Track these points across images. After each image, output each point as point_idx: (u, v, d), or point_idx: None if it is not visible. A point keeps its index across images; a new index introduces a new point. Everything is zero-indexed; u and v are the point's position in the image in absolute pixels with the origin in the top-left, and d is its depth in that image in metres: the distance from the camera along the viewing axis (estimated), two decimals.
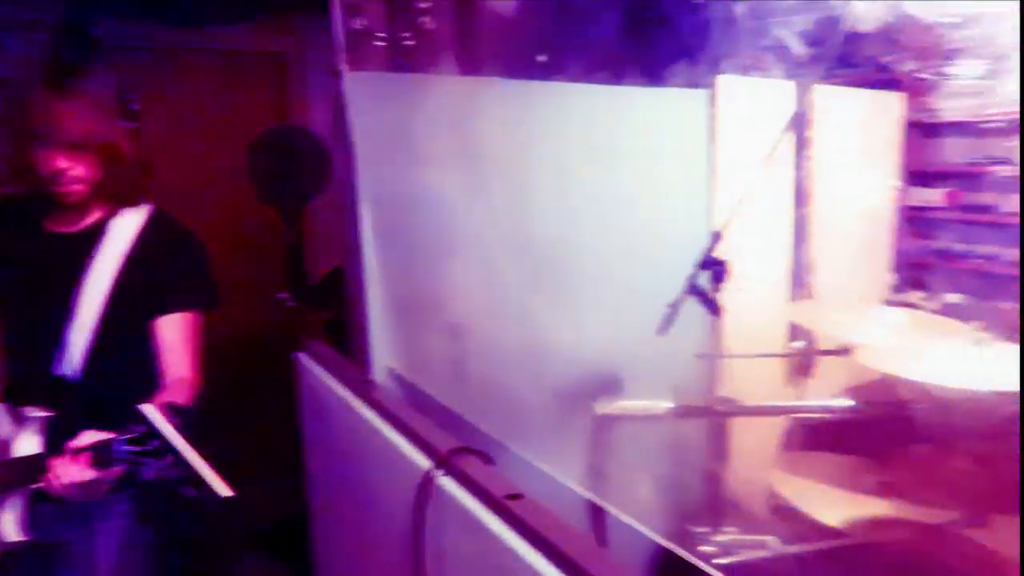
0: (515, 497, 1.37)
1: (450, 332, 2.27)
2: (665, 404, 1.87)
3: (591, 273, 2.49)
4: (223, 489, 1.51)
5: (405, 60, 3.22)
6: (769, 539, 1.93)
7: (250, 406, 3.58)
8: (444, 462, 1.58)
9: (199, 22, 3.81)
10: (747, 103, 2.85)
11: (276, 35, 4.13)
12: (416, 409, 1.96)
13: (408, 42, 3.23)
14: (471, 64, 3.07)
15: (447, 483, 1.55)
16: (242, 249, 3.60)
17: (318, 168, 2.96)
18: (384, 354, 2.24)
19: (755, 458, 2.56)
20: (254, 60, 4.23)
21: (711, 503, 2.18)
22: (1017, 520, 1.81)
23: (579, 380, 2.27)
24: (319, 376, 2.38)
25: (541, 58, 3.11)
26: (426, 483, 1.57)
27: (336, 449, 2.30)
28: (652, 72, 2.73)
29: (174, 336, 1.97)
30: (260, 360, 3.39)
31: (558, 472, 1.60)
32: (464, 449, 1.59)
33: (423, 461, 1.65)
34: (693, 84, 2.77)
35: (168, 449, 1.57)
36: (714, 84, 2.80)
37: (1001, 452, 2.16)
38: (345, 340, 2.41)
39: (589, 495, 1.64)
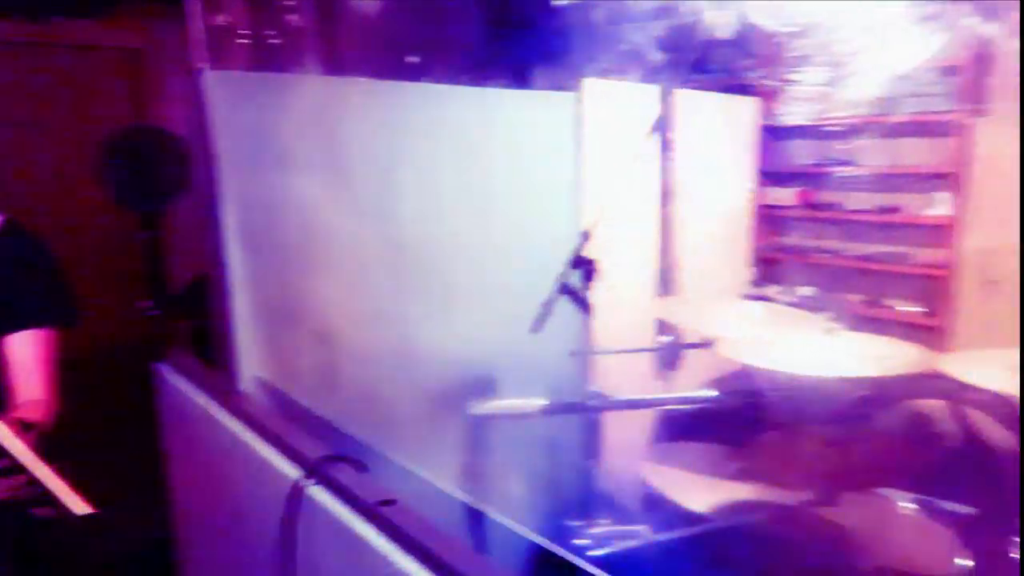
0: (388, 503, 1.36)
1: (321, 338, 2.22)
2: (539, 402, 1.89)
3: (463, 274, 2.50)
4: (80, 507, 1.42)
5: (270, 59, 3.13)
6: (641, 528, 1.99)
7: (110, 421, 3.39)
8: (314, 471, 1.54)
9: (44, 14, 3.57)
10: (612, 106, 2.93)
11: (131, 30, 3.92)
12: (286, 418, 1.90)
13: (273, 40, 3.14)
14: (338, 64, 3.01)
15: (318, 492, 1.51)
16: (100, 256, 3.40)
17: (177, 170, 2.83)
18: (252, 363, 2.17)
19: (627, 451, 2.63)
20: (107, 56, 4.00)
21: (586, 497, 2.23)
22: (863, 496, 1.94)
23: (453, 382, 2.27)
24: (181, 388, 2.27)
25: (411, 59, 3.09)
26: (296, 494, 1.52)
27: (201, 464, 2.21)
28: (520, 74, 2.76)
29: (25, 355, 1.83)
30: (120, 372, 3.21)
31: (433, 476, 1.59)
32: (335, 457, 1.56)
33: (292, 471, 1.60)
34: (560, 87, 2.83)
35: (17, 468, 1.46)
36: (580, 87, 2.86)
37: (850, 434, 2.31)
38: (210, 350, 2.32)
39: (465, 497, 1.63)
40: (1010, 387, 1.45)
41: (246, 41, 3.10)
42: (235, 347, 2.14)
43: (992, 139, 3.11)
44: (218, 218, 2.10)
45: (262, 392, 2.16)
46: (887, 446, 2.36)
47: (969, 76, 3.10)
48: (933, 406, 2.39)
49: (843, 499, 1.82)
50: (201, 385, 2.21)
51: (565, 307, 2.11)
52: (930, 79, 3.21)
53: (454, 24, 2.84)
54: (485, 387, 2.15)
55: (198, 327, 2.94)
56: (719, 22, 2.09)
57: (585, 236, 2.12)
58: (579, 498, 2.23)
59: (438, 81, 2.50)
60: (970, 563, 1.67)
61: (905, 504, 1.94)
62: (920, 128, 3.32)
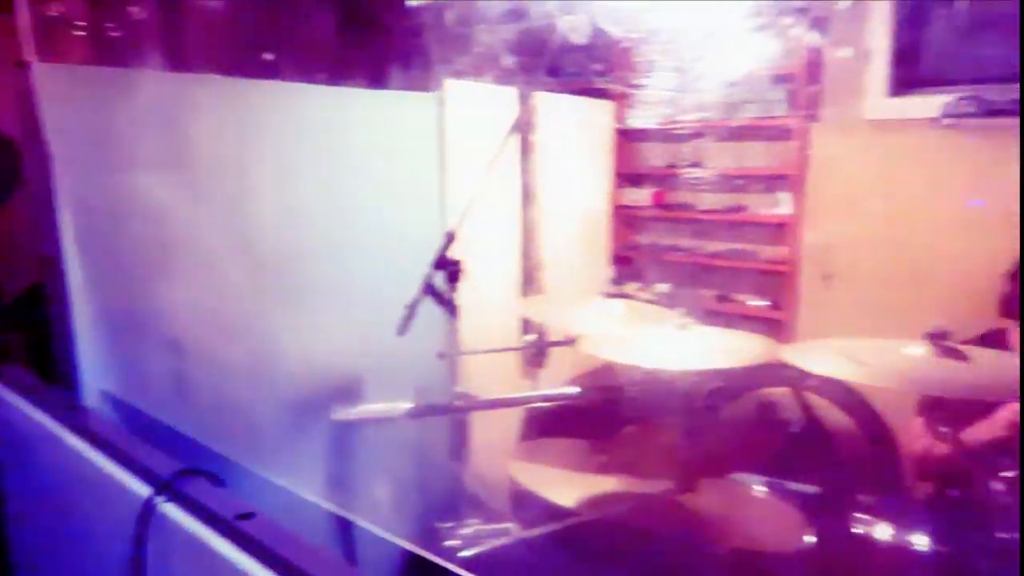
0: (246, 516, 1.30)
1: (172, 346, 2.11)
2: (405, 405, 1.87)
3: (326, 277, 2.44)
4: None
5: (110, 53, 2.95)
6: (510, 526, 2.00)
7: None
8: (167, 487, 1.46)
9: None
10: (474, 107, 2.94)
11: None
12: (136, 433, 1.79)
13: (113, 33, 2.96)
14: (185, 59, 2.87)
15: (171, 510, 1.43)
16: None
17: (5, 171, 2.62)
18: (96, 376, 2.03)
19: (495, 450, 2.65)
20: None
21: (455, 498, 2.22)
22: (719, 482, 2.04)
23: (316, 388, 2.21)
24: (16, 405, 2.10)
25: (266, 56, 2.99)
26: (146, 512, 1.44)
27: (40, 488, 2.05)
28: (379, 74, 2.73)
29: None
30: None
31: (296, 486, 1.54)
32: (189, 471, 1.48)
33: (143, 489, 1.51)
34: (421, 87, 2.81)
35: None
36: (442, 88, 2.86)
37: (705, 423, 2.41)
38: (49, 363, 2.15)
39: (331, 506, 1.59)
40: (846, 373, 1.55)
41: (83, 34, 2.91)
42: (76, 359, 2.00)
43: (824, 143, 3.34)
44: (54, 221, 1.95)
45: (108, 406, 2.03)
46: (739, 433, 2.49)
47: (801, 83, 3.32)
48: (779, 394, 2.54)
49: (700, 486, 1.89)
50: (38, 402, 2.05)
51: (430, 309, 2.10)
52: (767, 85, 3.41)
53: (309, 22, 2.77)
54: (350, 392, 2.11)
55: (33, 339, 2.72)
56: (573, 27, 2.14)
57: (449, 237, 2.12)
58: (448, 500, 2.22)
59: (293, 79, 2.44)
60: (813, 539, 1.78)
61: (757, 487, 2.05)
62: (761, 132, 3.52)
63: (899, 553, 1.76)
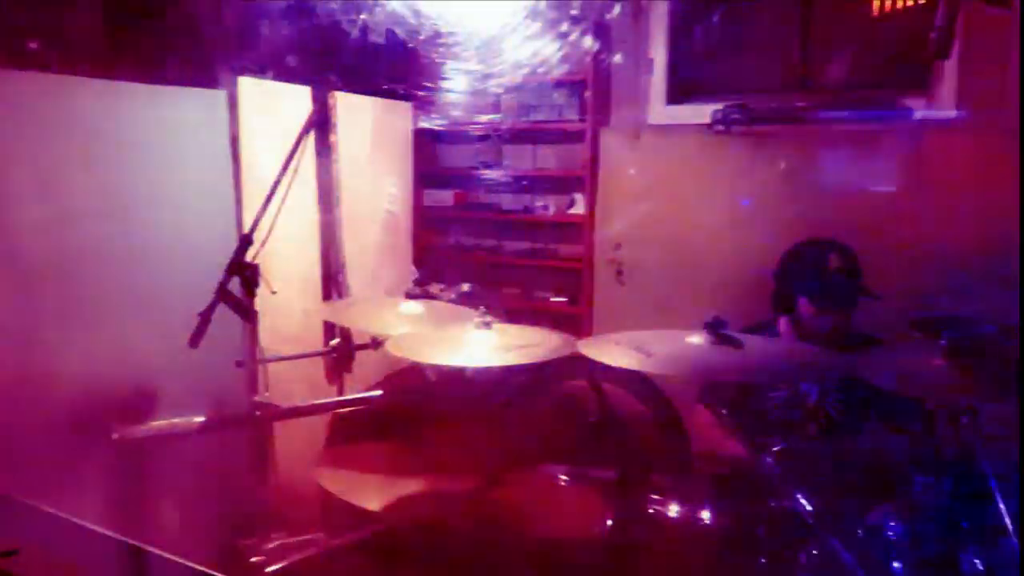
0: (9, 554, 1.18)
1: None
2: (198, 419, 1.77)
3: (106, 286, 2.26)
4: None
5: None
6: (317, 536, 1.96)
7: None
8: None
9: None
10: (271, 106, 2.84)
11: None
12: None
13: None
14: None
15: None
16: None
17: None
18: None
19: (301, 459, 2.57)
20: None
21: (260, 511, 2.14)
22: (525, 474, 2.10)
23: (97, 405, 2.04)
24: None
25: (32, 45, 2.72)
26: None
27: None
28: (162, 69, 2.56)
29: None
30: None
31: (75, 514, 1.42)
32: None
33: None
34: (209, 84, 2.68)
35: None
36: (233, 85, 2.74)
37: (510, 418, 2.47)
38: None
39: (115, 533, 1.48)
40: (635, 364, 1.65)
41: None
42: None
43: (612, 146, 3.54)
44: None
45: None
46: (543, 426, 2.58)
47: (590, 89, 3.49)
48: (578, 386, 2.65)
49: (506, 480, 1.94)
50: None
51: (227, 316, 2.00)
52: (560, 91, 3.56)
53: (76, 7, 2.55)
54: (139, 407, 1.97)
55: None
56: (370, 26, 2.12)
57: (245, 240, 2.03)
58: (252, 515, 2.13)
59: (59, 71, 2.23)
60: (609, 522, 1.88)
61: (561, 476, 2.13)
62: (554, 135, 3.67)
63: (689, 528, 1.89)
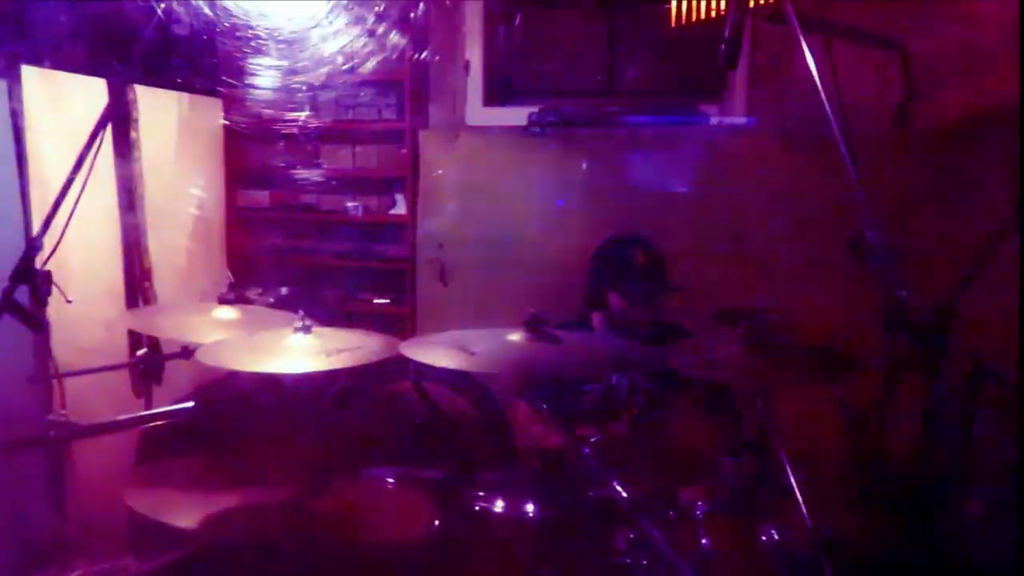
0: None
1: None
2: None
3: None
4: None
5: None
6: (125, 562, 1.84)
7: None
8: None
9: None
10: (63, 100, 2.62)
11: None
12: None
13: None
14: None
15: None
16: None
17: None
18: None
19: (107, 479, 2.40)
20: None
21: (59, 539, 1.97)
22: (352, 480, 2.07)
23: None
24: None
25: None
26: None
27: None
28: None
29: None
30: None
31: None
32: None
33: None
34: None
35: None
36: (16, 73, 2.50)
37: (335, 423, 2.43)
38: None
39: None
40: (457, 363, 1.66)
41: None
42: None
43: (431, 147, 3.54)
44: None
45: None
46: (369, 429, 2.55)
47: (410, 90, 3.48)
48: (403, 387, 2.64)
49: (331, 486, 1.90)
50: None
51: (13, 327, 1.82)
52: (379, 90, 3.52)
53: None
54: None
55: None
56: (173, 18, 2.01)
57: (33, 245, 1.85)
58: (51, 542, 1.97)
59: None
60: (437, 522, 1.89)
61: (387, 479, 2.11)
62: (374, 135, 3.62)
63: (514, 522, 1.94)
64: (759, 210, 3.08)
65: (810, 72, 1.57)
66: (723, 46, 1.64)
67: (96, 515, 2.19)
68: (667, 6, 2.85)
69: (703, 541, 1.76)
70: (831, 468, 1.92)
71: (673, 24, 2.89)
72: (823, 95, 1.61)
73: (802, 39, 1.69)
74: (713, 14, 2.65)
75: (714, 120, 3.26)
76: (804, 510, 1.55)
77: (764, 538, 1.70)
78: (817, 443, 1.90)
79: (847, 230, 1.71)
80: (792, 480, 1.59)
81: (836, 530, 1.53)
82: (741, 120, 3.24)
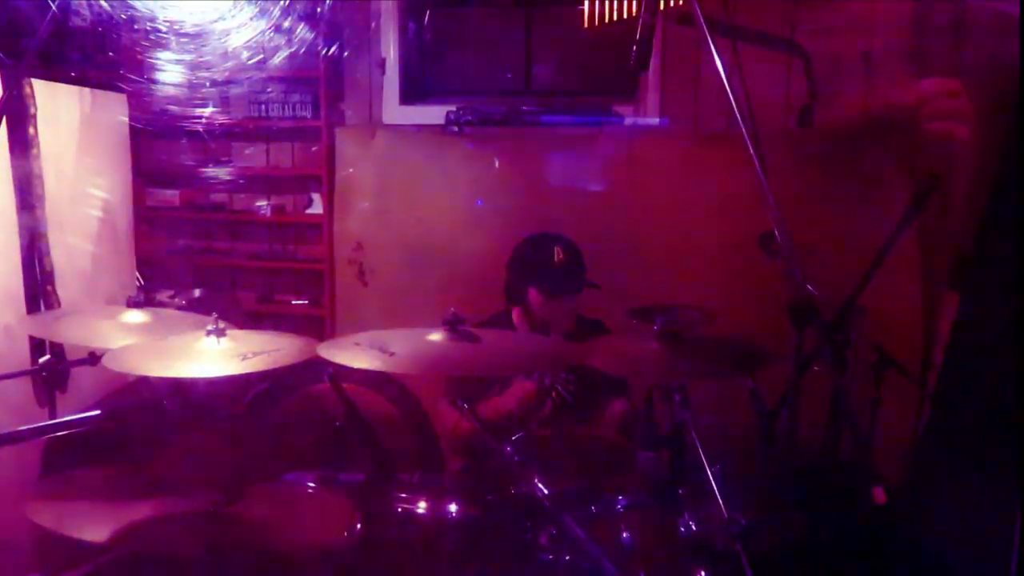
0: None
1: None
2: None
3: None
4: None
5: None
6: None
7: None
8: None
9: None
10: None
11: None
12: None
13: None
14: None
15: None
16: None
17: None
18: None
19: (8, 494, 2.29)
20: None
21: None
22: (271, 486, 2.03)
23: None
24: None
25: None
26: None
27: None
28: None
29: None
30: None
31: None
32: None
33: None
34: None
35: None
36: None
37: (251, 428, 2.38)
38: None
39: None
40: (377, 364, 1.65)
41: None
42: None
43: (347, 145, 3.50)
44: None
45: None
46: (287, 433, 2.50)
47: (325, 88, 3.43)
48: (321, 389, 2.60)
49: (249, 492, 1.86)
50: None
51: None
52: (291, 87, 3.45)
53: None
54: None
55: None
56: (73, 10, 1.92)
57: None
58: None
59: None
60: (359, 524, 1.87)
61: (309, 484, 2.08)
62: (288, 133, 3.56)
63: (437, 522, 1.94)
64: (672, 209, 3.16)
65: (718, 74, 1.62)
66: (634, 48, 1.67)
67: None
68: (580, 7, 2.90)
69: (624, 535, 1.80)
70: (744, 459, 1.98)
71: (586, 25, 2.93)
72: (731, 96, 1.65)
73: (710, 41, 1.74)
74: (625, 15, 2.70)
75: (628, 120, 3.32)
76: (720, 502, 1.60)
77: (683, 530, 1.75)
78: (731, 435, 1.96)
79: (757, 227, 1.77)
80: (708, 472, 1.64)
81: (750, 520, 1.59)
82: (654, 120, 3.30)
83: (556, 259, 2.49)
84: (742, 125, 1.67)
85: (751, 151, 1.72)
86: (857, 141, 2.93)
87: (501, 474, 1.93)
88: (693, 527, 1.76)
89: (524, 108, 3.34)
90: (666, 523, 1.81)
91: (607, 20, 2.71)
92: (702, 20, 1.73)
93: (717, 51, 1.63)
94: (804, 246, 1.75)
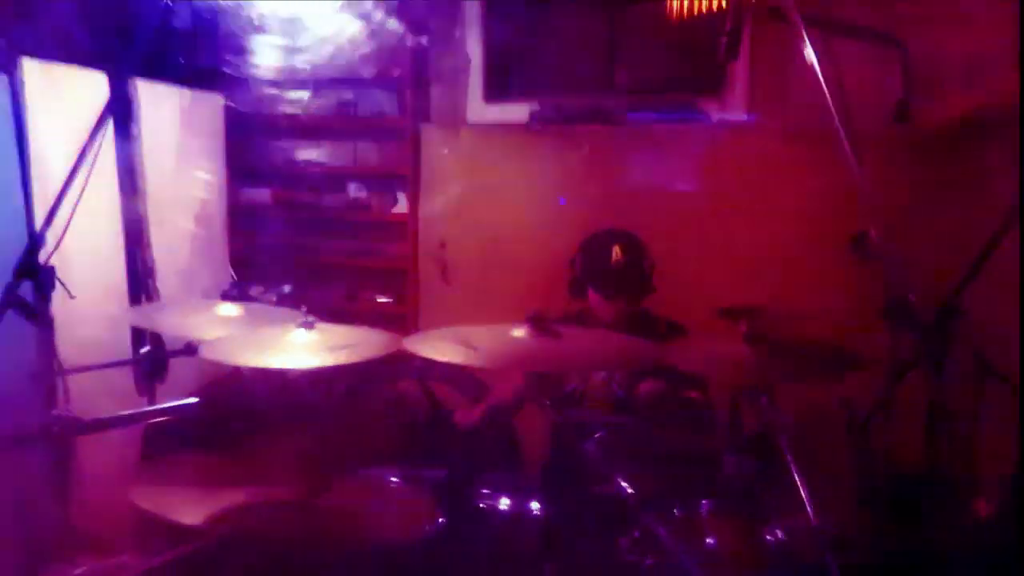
0: None
1: None
2: None
3: None
4: None
5: None
6: (131, 558, 1.84)
7: None
8: None
9: None
10: (64, 93, 2.61)
11: None
12: None
13: None
14: None
15: None
16: None
17: None
18: None
19: (112, 475, 2.40)
20: None
21: (64, 534, 1.98)
22: (355, 478, 2.07)
23: None
24: None
25: None
26: None
27: None
28: None
29: None
30: None
31: None
32: None
33: None
34: None
35: None
36: (16, 66, 2.49)
37: (337, 421, 2.43)
38: None
39: None
40: (461, 358, 1.66)
41: None
42: None
43: (432, 144, 3.54)
44: None
45: None
46: (371, 428, 2.55)
47: (410, 85, 3.48)
48: (407, 387, 2.65)
49: (335, 484, 1.90)
50: None
51: (16, 323, 1.82)
52: (378, 86, 3.51)
53: None
54: None
55: None
56: (177, 12, 2.00)
57: (38, 239, 1.84)
58: (55, 537, 1.97)
59: None
60: (442, 519, 1.89)
61: (392, 478, 2.11)
62: (375, 132, 3.62)
63: (518, 520, 1.94)
64: (760, 207, 3.08)
65: (811, 69, 1.57)
66: (723, 37, 1.64)
67: (100, 511, 2.18)
68: (667, 1, 2.85)
69: (708, 540, 1.77)
70: (835, 466, 1.92)
71: (673, 19, 2.89)
72: (825, 91, 1.61)
73: (804, 35, 1.70)
74: (714, 6, 2.65)
75: (714, 117, 3.26)
76: (809, 509, 1.55)
77: (769, 537, 1.70)
78: (821, 441, 1.90)
79: (850, 227, 1.72)
80: (797, 479, 1.59)
81: (841, 529, 1.54)
82: (741, 117, 3.23)
83: (613, 259, 2.44)
84: (836, 121, 1.62)
85: (845, 148, 1.66)
86: (960, 138, 2.80)
87: (583, 472, 1.92)
88: (780, 535, 1.71)
89: (607, 105, 3.32)
90: (752, 529, 1.76)
91: (695, 13, 2.66)
92: (796, 13, 1.69)
93: (811, 44, 1.59)
94: (901, 247, 1.69)
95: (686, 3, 2.82)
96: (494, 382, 2.54)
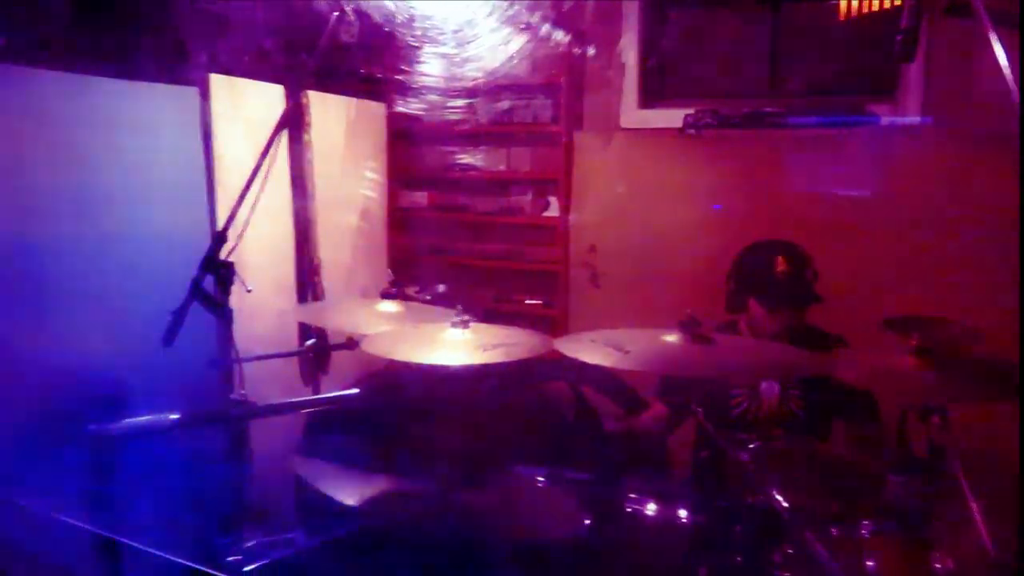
0: None
1: None
2: (172, 416, 1.75)
3: (72, 281, 2.23)
4: None
5: None
6: (294, 537, 1.95)
7: None
8: None
9: None
10: (244, 103, 2.82)
11: None
12: None
13: None
14: None
15: None
16: None
17: None
18: None
19: (277, 458, 2.55)
20: None
21: (236, 511, 2.12)
22: (501, 475, 2.10)
23: (73, 401, 2.01)
24: None
25: None
26: None
27: None
28: (130, 64, 2.53)
29: None
30: None
31: (52, 508, 1.40)
32: None
33: None
34: (180, 80, 2.65)
35: None
36: (206, 82, 2.71)
37: (486, 418, 2.47)
38: None
39: (92, 527, 1.46)
40: (612, 361, 1.66)
41: None
42: None
43: (585, 149, 3.55)
44: None
45: None
46: (520, 426, 2.58)
47: (565, 91, 3.51)
48: (556, 388, 2.66)
49: (484, 480, 1.94)
50: None
51: (200, 314, 1.98)
52: (533, 93, 3.57)
53: (49, 2, 2.51)
54: (113, 404, 1.94)
55: None
56: (344, 26, 2.12)
57: (220, 238, 2.00)
58: (228, 513, 2.11)
59: (29, 64, 2.19)
60: (587, 521, 1.88)
61: (539, 478, 2.13)
62: (529, 138, 3.68)
63: (667, 526, 1.91)
64: (935, 216, 2.89)
65: (996, 68, 1.46)
66: (899, 36, 1.54)
67: (268, 490, 2.33)
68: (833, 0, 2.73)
69: (868, 563, 1.67)
70: (1015, 493, 1.77)
71: (842, 18, 2.76)
72: (1014, 91, 1.49)
73: (991, 33, 1.58)
74: (886, 4, 2.51)
75: (885, 121, 3.08)
76: (985, 538, 1.44)
77: (938, 565, 1.59)
78: (1000, 466, 1.76)
79: None
80: (972, 505, 1.48)
81: (1020, 562, 1.42)
82: (915, 120, 3.04)
83: (777, 269, 2.35)
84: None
85: None
86: None
87: (735, 482, 1.86)
88: (951, 564, 1.59)
89: (768, 109, 3.21)
90: (918, 555, 1.65)
91: (865, 11, 2.54)
92: (982, 9, 1.57)
93: (998, 41, 1.48)
94: None
95: (855, 1, 2.69)
96: (649, 400, 2.52)
